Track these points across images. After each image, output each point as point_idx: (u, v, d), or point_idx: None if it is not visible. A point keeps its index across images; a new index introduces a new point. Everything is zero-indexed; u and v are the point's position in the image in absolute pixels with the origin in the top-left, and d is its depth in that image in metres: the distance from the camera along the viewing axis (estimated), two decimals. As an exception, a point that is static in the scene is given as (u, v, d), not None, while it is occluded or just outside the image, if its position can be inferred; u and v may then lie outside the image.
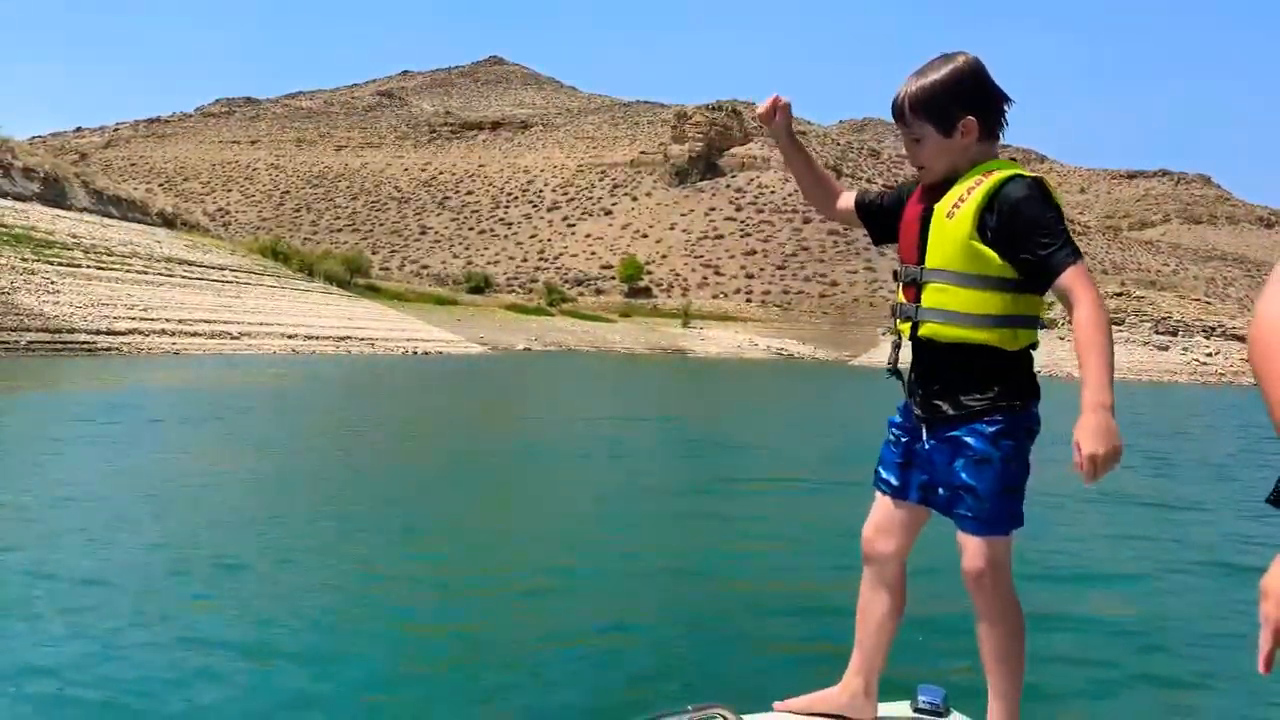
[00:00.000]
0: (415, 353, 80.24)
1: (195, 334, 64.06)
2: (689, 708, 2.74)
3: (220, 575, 8.47)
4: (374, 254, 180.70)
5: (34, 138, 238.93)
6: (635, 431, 24.23)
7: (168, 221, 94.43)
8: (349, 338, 78.46)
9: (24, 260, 60.13)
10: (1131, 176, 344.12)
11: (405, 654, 6.71)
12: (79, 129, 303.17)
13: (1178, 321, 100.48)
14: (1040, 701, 5.52)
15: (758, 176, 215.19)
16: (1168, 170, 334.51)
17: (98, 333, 56.99)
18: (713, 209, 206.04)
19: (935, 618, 7.21)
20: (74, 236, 69.81)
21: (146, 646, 6.55)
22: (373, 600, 7.91)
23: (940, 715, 2.90)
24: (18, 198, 71.07)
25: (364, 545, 10.07)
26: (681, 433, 25.19)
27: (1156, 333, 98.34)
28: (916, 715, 2.91)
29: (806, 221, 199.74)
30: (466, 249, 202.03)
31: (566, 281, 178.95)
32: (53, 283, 59.70)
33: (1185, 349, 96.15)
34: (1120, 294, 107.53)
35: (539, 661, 6.55)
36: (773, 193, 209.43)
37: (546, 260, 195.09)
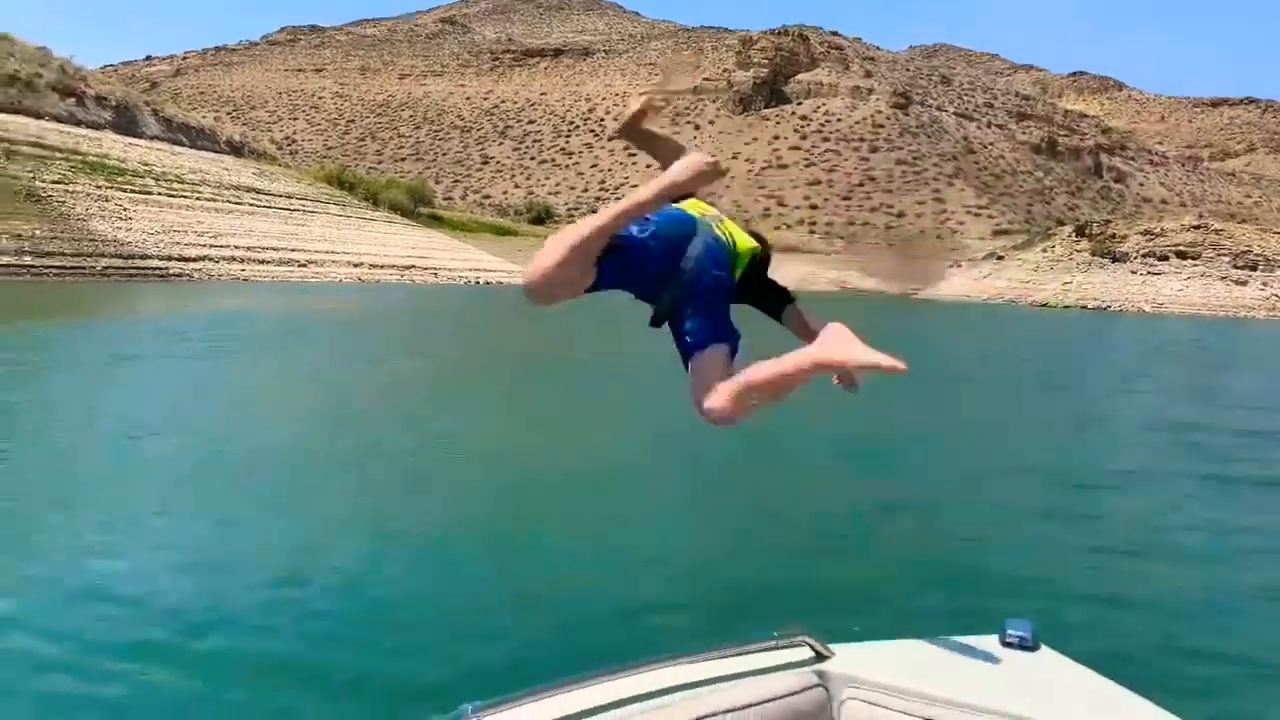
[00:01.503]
0: (477, 282, 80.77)
1: (264, 261, 65.14)
2: (774, 634, 2.74)
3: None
4: (437, 183, 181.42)
5: (105, 67, 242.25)
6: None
7: (235, 149, 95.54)
8: (413, 267, 79.19)
9: (98, 188, 61.38)
10: (1215, 104, 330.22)
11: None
12: (149, 58, 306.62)
13: (1258, 255, 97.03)
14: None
15: (824, 104, 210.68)
16: (1254, 98, 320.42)
17: (169, 259, 58.21)
18: (777, 137, 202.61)
19: (1024, 555, 7.09)
20: (145, 164, 71.01)
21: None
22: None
23: (1029, 649, 2.85)
24: (91, 126, 72.31)
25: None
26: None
27: (1234, 267, 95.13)
28: (1005, 648, 2.86)
29: (874, 150, 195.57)
30: (528, 179, 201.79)
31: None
32: (125, 210, 60.93)
33: (1265, 284, 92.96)
34: (1197, 227, 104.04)
35: (641, 587, 6.74)
36: (839, 120, 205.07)
37: (607, 190, 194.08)
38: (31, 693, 4.79)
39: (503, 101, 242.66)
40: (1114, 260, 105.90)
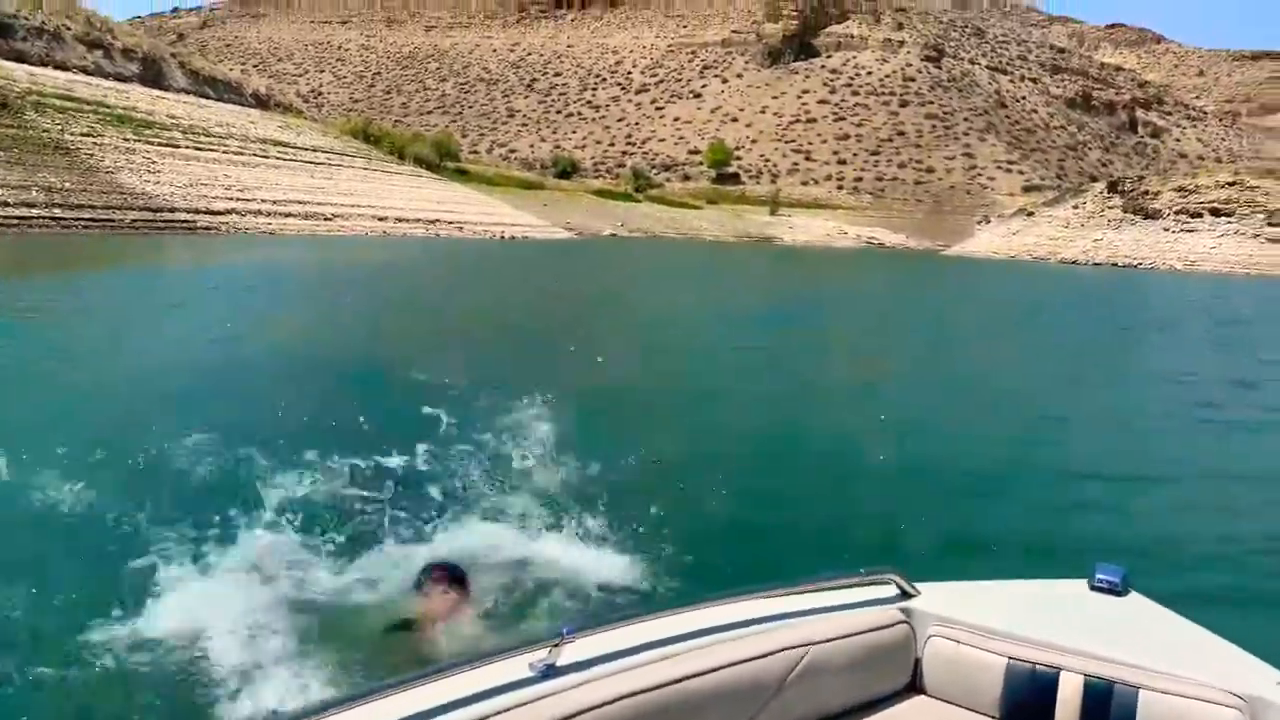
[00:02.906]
0: (503, 237, 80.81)
1: (290, 215, 65.45)
2: (861, 570, 2.80)
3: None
4: (463, 137, 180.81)
5: (133, 18, 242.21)
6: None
7: (261, 102, 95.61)
8: (438, 221, 79.31)
9: (125, 140, 61.73)
10: (1256, 58, 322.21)
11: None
12: (176, 10, 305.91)
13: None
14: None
15: (854, 57, 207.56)
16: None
17: (197, 212, 58.61)
18: (805, 91, 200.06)
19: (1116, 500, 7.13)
20: (172, 117, 71.27)
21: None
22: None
23: (1119, 594, 2.84)
24: (118, 78, 72.59)
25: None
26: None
27: (1270, 224, 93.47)
28: (1094, 593, 2.87)
29: (904, 105, 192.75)
30: (554, 132, 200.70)
31: (654, 167, 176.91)
32: (153, 163, 61.29)
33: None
34: (1233, 183, 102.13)
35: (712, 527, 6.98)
36: (869, 74, 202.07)
37: (634, 145, 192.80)
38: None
39: (529, 54, 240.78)
40: (1146, 217, 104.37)
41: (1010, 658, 2.60)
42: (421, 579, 5.10)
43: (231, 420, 9.90)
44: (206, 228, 57.53)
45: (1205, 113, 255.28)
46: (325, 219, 68.01)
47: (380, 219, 73.03)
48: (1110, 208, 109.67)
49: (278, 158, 76.14)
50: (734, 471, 8.68)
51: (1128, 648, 2.53)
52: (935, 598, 2.84)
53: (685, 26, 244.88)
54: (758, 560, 6.20)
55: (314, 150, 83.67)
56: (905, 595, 2.82)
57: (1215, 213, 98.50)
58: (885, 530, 6.95)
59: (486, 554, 6.25)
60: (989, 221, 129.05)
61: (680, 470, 8.69)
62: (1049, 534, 7.06)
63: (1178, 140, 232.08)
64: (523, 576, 5.89)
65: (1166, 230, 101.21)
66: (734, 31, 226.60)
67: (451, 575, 5.08)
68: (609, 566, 6.08)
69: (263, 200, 64.97)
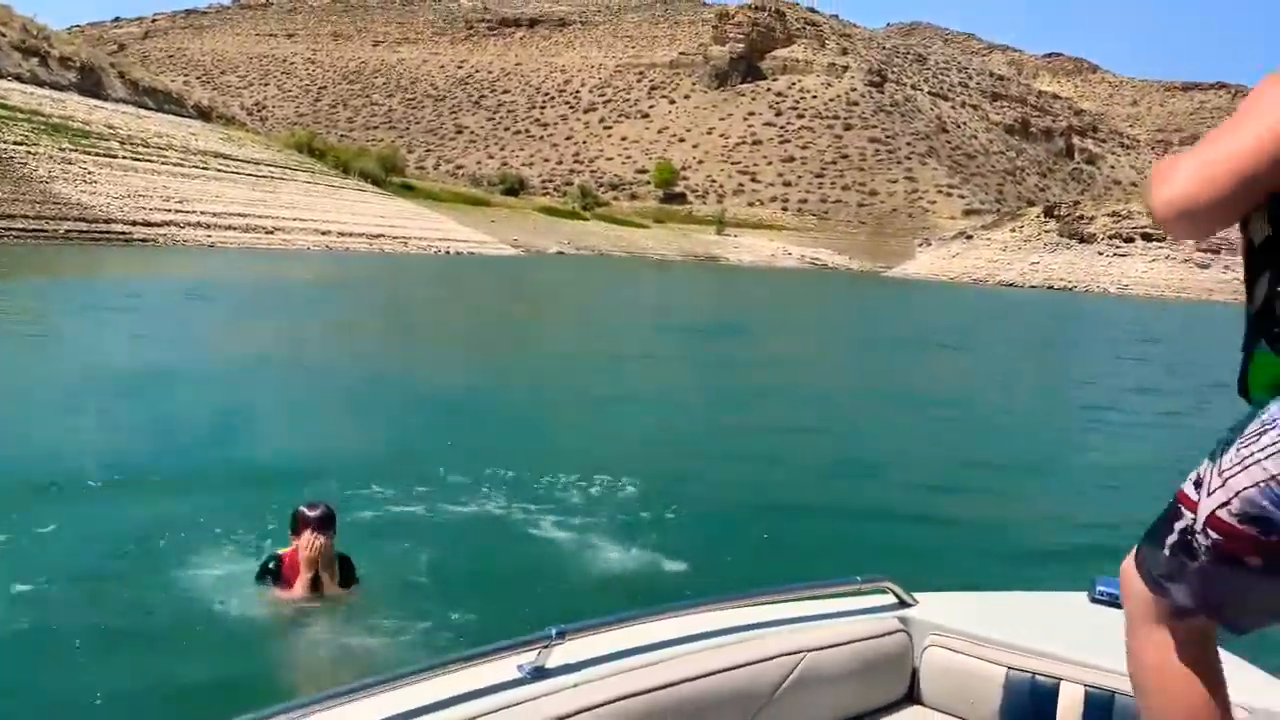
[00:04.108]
0: (447, 253, 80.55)
1: (230, 227, 64.62)
2: (858, 579, 2.74)
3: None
4: (409, 153, 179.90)
5: (72, 27, 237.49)
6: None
7: (203, 114, 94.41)
8: (382, 235, 78.79)
9: (61, 150, 60.57)
10: (1186, 89, 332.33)
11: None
12: (117, 19, 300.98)
13: (1220, 240, 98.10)
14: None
15: (799, 80, 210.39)
16: (1225, 83, 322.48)
17: (134, 223, 57.64)
18: (752, 113, 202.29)
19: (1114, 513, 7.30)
20: (110, 127, 70.10)
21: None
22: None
23: (1119, 606, 2.78)
24: (54, 87, 71.21)
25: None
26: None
27: (1198, 250, 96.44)
28: (1094, 605, 2.82)
29: (848, 128, 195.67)
30: (502, 149, 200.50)
31: (602, 185, 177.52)
32: (90, 173, 60.20)
33: (1227, 267, 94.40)
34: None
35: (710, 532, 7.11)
36: (814, 97, 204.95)
37: (582, 163, 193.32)
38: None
39: (477, 71, 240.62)
40: (1081, 241, 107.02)
41: (1010, 668, 2.55)
42: (297, 519, 5.16)
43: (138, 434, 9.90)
44: (144, 239, 56.61)
45: (1138, 141, 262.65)
46: (266, 232, 67.27)
47: (323, 233, 72.40)
48: (1046, 232, 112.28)
49: (219, 170, 75.18)
50: (727, 475, 8.88)
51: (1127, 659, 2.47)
52: (933, 607, 2.80)
53: (633, 47, 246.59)
54: (754, 564, 6.33)
55: (256, 163, 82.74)
56: (903, 604, 2.78)
57: (1147, 238, 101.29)
58: (883, 538, 7.07)
59: (470, 546, 6.39)
60: (930, 244, 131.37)
61: (671, 472, 8.86)
62: (1048, 544, 7.22)
63: (1112, 167, 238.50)
64: (509, 572, 6.01)
65: (1100, 254, 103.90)
66: (681, 53, 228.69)
67: (320, 519, 5.11)
68: (601, 565, 6.14)
69: (202, 212, 64.08)
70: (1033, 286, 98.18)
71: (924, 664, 2.71)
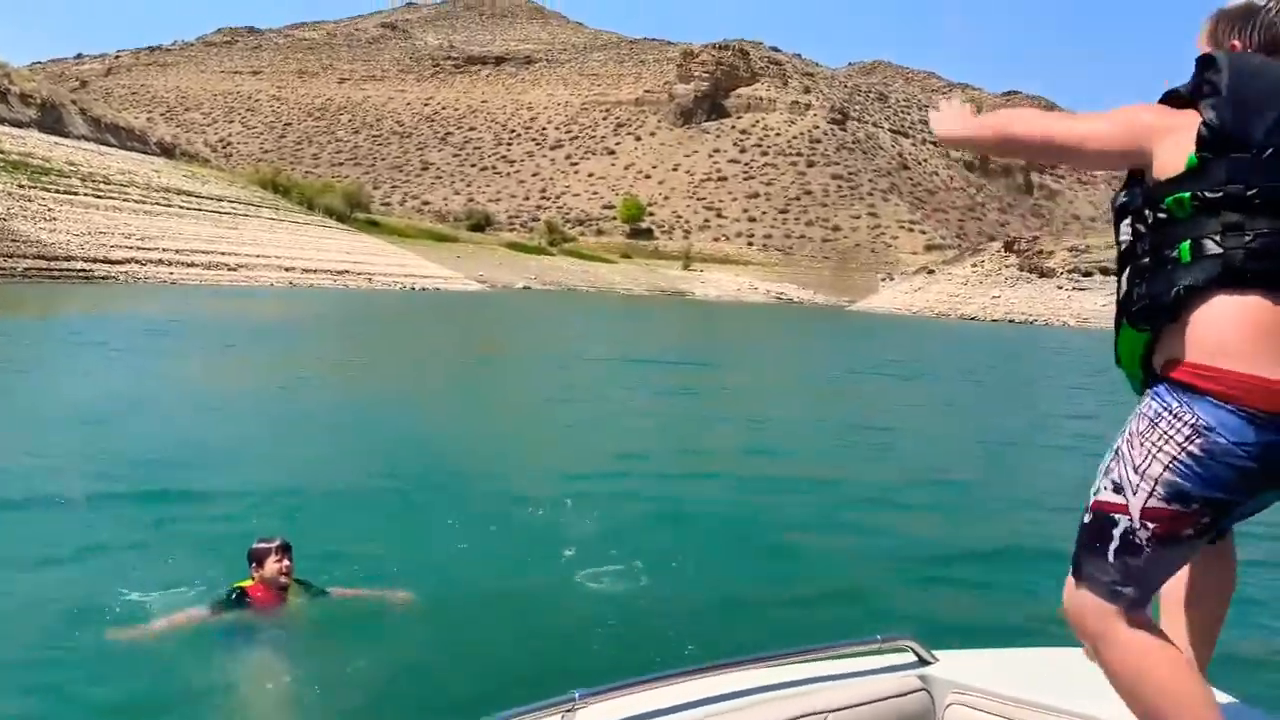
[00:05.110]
0: (413, 289, 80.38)
1: (192, 264, 64.17)
2: (878, 637, 2.73)
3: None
4: (375, 189, 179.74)
5: (34, 64, 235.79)
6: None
7: (166, 151, 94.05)
8: (346, 272, 78.55)
9: (20, 187, 60.01)
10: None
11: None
12: (80, 56, 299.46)
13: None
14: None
15: (763, 118, 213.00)
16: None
17: (95, 261, 57.09)
18: (716, 150, 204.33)
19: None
20: (71, 164, 69.58)
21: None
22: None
23: None
24: (14, 123, 70.72)
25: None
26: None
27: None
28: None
29: (811, 165, 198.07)
30: (468, 185, 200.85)
31: (568, 221, 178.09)
32: (50, 210, 59.65)
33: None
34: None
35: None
36: (777, 135, 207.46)
37: (548, 199, 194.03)
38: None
39: (443, 108, 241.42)
40: (1041, 276, 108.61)
41: None
42: (257, 552, 5.50)
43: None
44: (105, 276, 56.07)
45: (1096, 177, 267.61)
46: (230, 269, 66.86)
47: (287, 269, 72.06)
48: (1007, 266, 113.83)
49: (181, 207, 74.75)
50: (755, 533, 8.70)
51: None
52: (954, 665, 2.76)
53: (599, 85, 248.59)
54: (771, 624, 6.28)
55: (220, 200, 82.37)
56: (923, 662, 2.75)
57: (1105, 272, 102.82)
58: (902, 596, 7.01)
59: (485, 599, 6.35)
60: (893, 279, 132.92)
61: (666, 522, 8.81)
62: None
63: (1070, 202, 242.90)
64: (522, 627, 5.98)
65: (1060, 288, 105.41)
66: (647, 91, 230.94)
67: (283, 545, 5.49)
68: (619, 625, 6.06)
69: (164, 250, 63.61)
70: (994, 320, 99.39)
71: None
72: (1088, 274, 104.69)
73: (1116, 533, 2.07)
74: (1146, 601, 2.12)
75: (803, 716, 2.38)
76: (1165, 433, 2.02)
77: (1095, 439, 16.22)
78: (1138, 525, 2.05)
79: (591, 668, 4.73)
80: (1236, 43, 2.24)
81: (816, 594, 6.96)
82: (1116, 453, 2.12)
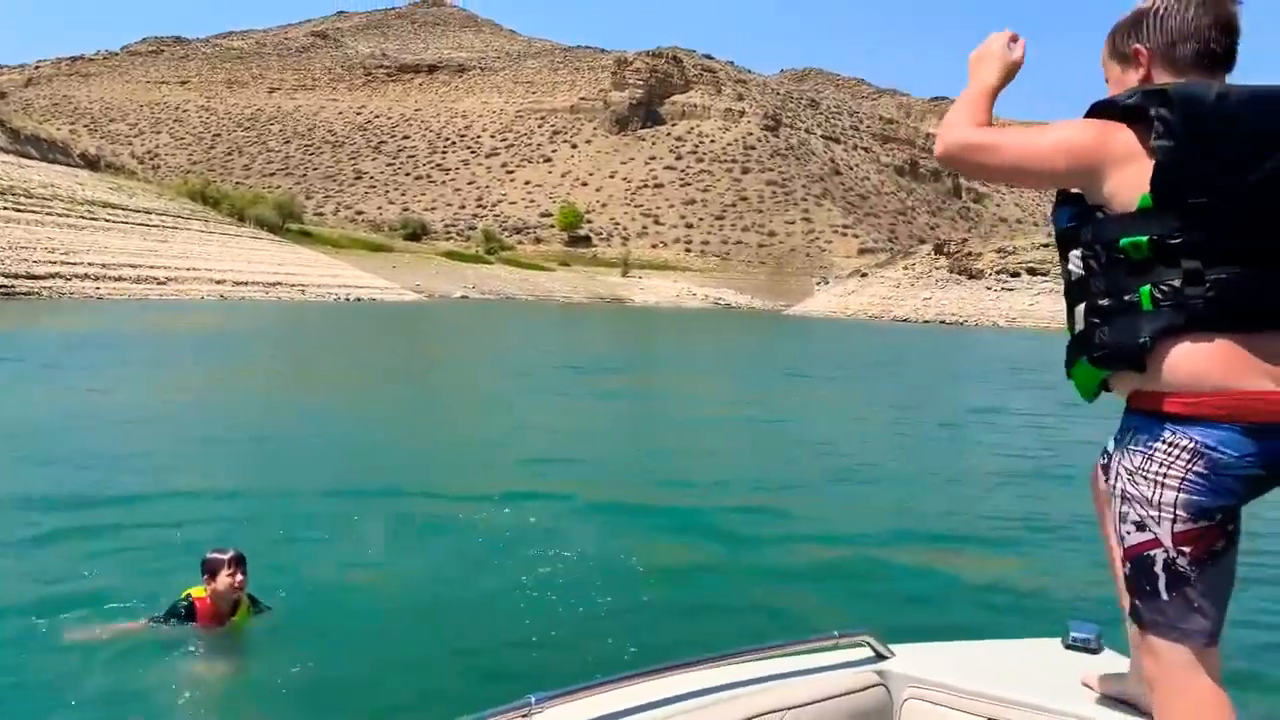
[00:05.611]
0: (348, 300, 79.62)
1: (119, 279, 62.88)
2: (835, 633, 2.76)
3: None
4: (308, 199, 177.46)
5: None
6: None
7: (90, 163, 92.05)
8: (279, 284, 77.54)
9: (-63, 201, 58.39)
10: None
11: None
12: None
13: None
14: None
15: (698, 125, 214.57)
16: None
17: (16, 276, 55.69)
18: (653, 158, 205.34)
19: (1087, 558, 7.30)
20: (-10, 178, 67.84)
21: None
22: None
23: (1093, 652, 2.83)
24: (-71, 137, 68.73)
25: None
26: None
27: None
28: (1068, 651, 2.86)
29: (746, 171, 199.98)
30: (403, 195, 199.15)
31: (505, 229, 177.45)
32: (-32, 225, 58.11)
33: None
34: (1047, 245, 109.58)
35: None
36: (712, 142, 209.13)
37: (485, 207, 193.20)
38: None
39: (376, 117, 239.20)
40: (970, 277, 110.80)
41: (989, 718, 2.56)
42: (210, 564, 5.53)
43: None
44: (27, 293, 54.71)
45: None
46: (159, 283, 65.64)
47: (218, 282, 70.95)
48: (937, 268, 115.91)
49: (108, 220, 73.23)
50: (706, 533, 8.74)
51: (1103, 707, 2.52)
52: (911, 659, 2.79)
53: (534, 93, 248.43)
54: (727, 623, 6.26)
55: (148, 212, 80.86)
56: (880, 657, 2.77)
57: (1032, 272, 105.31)
58: (858, 592, 7.01)
59: (435, 604, 6.43)
60: (827, 282, 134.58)
61: (623, 522, 8.93)
62: (1021, 591, 7.19)
63: (998, 205, 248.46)
64: (477, 633, 5.97)
65: (989, 289, 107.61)
66: (582, 99, 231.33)
67: (236, 558, 5.53)
68: (572, 628, 6.03)
69: (90, 264, 62.25)
70: (926, 321, 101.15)
71: (903, 717, 2.71)
72: (1015, 274, 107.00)
73: (1158, 569, 2.08)
74: (1217, 633, 2.10)
75: (761, 714, 2.40)
76: (1165, 461, 2.04)
77: (1025, 430, 16.84)
78: (1174, 553, 2.06)
79: (547, 671, 4.76)
80: (1139, 47, 2.20)
81: (772, 592, 7.01)
82: (1124, 497, 2.13)
